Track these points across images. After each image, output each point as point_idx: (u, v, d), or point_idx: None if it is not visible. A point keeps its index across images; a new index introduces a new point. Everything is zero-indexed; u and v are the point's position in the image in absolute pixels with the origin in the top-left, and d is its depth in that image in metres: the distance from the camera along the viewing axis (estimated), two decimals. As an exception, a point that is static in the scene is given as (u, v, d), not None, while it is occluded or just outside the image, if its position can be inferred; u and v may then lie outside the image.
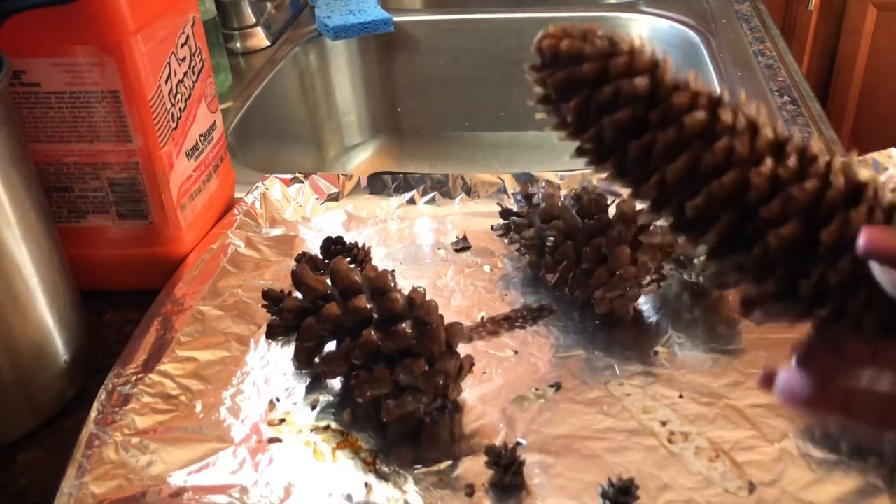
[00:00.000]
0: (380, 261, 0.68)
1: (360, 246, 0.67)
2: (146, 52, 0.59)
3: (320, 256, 0.66)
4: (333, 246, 0.67)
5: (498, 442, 0.50)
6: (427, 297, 0.52)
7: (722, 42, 1.09)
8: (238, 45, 1.15)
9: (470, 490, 0.47)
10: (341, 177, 0.78)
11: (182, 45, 0.64)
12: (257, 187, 0.75)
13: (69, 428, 0.55)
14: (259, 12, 1.19)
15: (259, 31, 1.17)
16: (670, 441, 0.49)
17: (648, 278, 0.59)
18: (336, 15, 1.19)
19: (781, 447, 0.48)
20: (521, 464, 0.47)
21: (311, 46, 1.20)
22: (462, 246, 0.69)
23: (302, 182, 0.77)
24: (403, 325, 0.50)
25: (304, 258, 0.65)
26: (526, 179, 0.75)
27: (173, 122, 0.63)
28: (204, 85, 0.69)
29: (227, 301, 0.63)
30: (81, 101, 0.58)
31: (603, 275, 0.57)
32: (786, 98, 0.93)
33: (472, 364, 0.52)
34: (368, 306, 0.52)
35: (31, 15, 0.54)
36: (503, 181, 0.76)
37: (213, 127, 0.71)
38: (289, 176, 0.77)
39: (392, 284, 0.52)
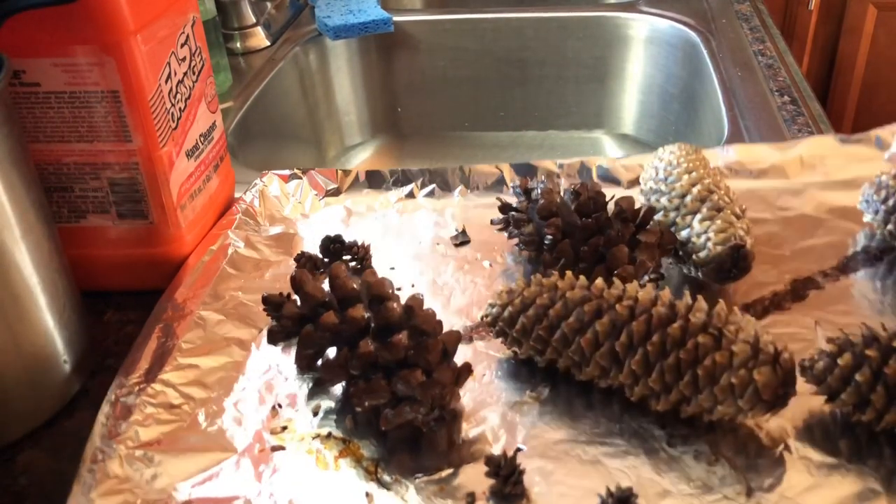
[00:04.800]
0: (379, 258, 0.68)
1: (359, 244, 0.67)
2: (146, 52, 0.59)
3: (320, 255, 0.66)
4: (333, 245, 0.67)
5: (498, 448, 0.50)
6: (427, 297, 0.52)
7: (722, 42, 1.09)
8: (238, 45, 1.15)
9: (471, 498, 0.47)
10: (339, 172, 0.77)
11: (182, 45, 0.64)
12: (255, 185, 0.75)
13: (69, 428, 0.55)
14: (259, 12, 1.19)
15: (259, 31, 1.17)
16: (670, 444, 0.49)
17: (646, 277, 0.59)
18: (336, 15, 1.19)
19: (781, 451, 0.48)
20: (521, 472, 0.47)
21: (311, 46, 1.20)
22: (462, 240, 0.69)
23: (300, 178, 0.77)
24: (400, 335, 0.50)
25: (303, 258, 0.65)
26: (525, 173, 0.74)
27: (173, 122, 0.63)
28: (204, 85, 0.69)
29: (228, 305, 0.63)
30: (81, 101, 0.58)
31: (601, 274, 0.57)
32: (786, 98, 0.93)
33: (471, 372, 0.52)
34: (366, 315, 0.51)
35: (31, 15, 0.54)
36: (501, 172, 0.76)
37: (213, 127, 0.71)
38: (287, 172, 0.77)
39: (390, 292, 0.52)
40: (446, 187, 0.76)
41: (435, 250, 0.68)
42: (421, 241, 0.70)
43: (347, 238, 0.68)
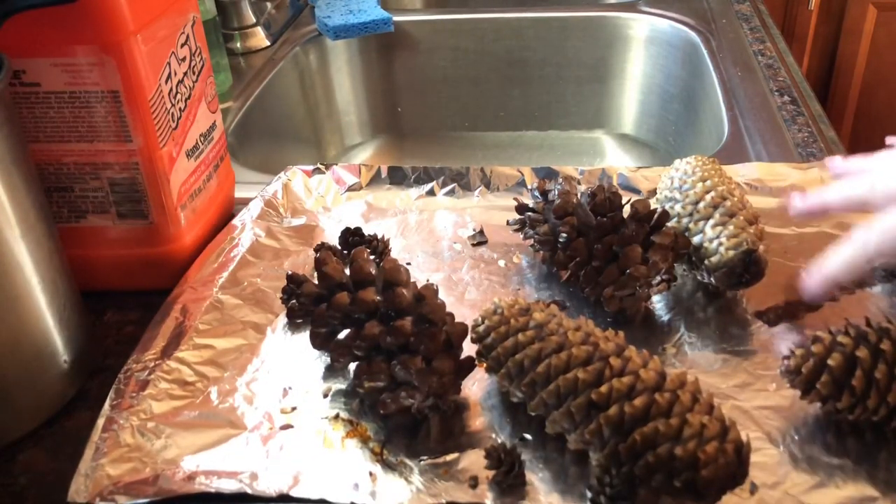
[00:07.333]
0: (398, 253, 0.69)
1: (379, 238, 0.68)
2: (146, 52, 0.59)
3: (339, 247, 0.67)
4: (352, 237, 0.67)
5: (503, 437, 0.50)
6: (441, 291, 0.52)
7: (722, 42, 1.09)
8: (238, 45, 1.15)
9: (474, 482, 0.47)
10: (362, 168, 0.78)
11: (182, 45, 0.64)
12: (279, 178, 0.76)
13: (69, 428, 0.55)
14: (259, 12, 1.19)
15: (259, 31, 1.17)
16: None
17: (658, 278, 0.58)
18: (336, 15, 1.19)
19: (786, 449, 0.48)
20: (522, 464, 0.47)
21: (311, 46, 1.20)
22: (479, 240, 0.70)
23: (323, 173, 0.78)
24: (405, 321, 0.50)
25: (322, 248, 0.66)
26: (544, 175, 0.74)
27: (173, 122, 0.63)
28: (204, 85, 0.69)
29: (246, 290, 0.64)
30: (81, 101, 0.58)
31: (613, 273, 0.57)
32: (786, 98, 0.93)
33: (474, 366, 0.52)
34: (377, 298, 0.52)
35: (31, 15, 0.54)
36: (522, 175, 0.76)
37: (213, 127, 0.71)
38: (311, 167, 0.78)
39: (404, 279, 0.52)
40: (467, 187, 0.76)
41: (452, 248, 0.69)
42: (439, 239, 0.70)
43: (367, 232, 0.68)
